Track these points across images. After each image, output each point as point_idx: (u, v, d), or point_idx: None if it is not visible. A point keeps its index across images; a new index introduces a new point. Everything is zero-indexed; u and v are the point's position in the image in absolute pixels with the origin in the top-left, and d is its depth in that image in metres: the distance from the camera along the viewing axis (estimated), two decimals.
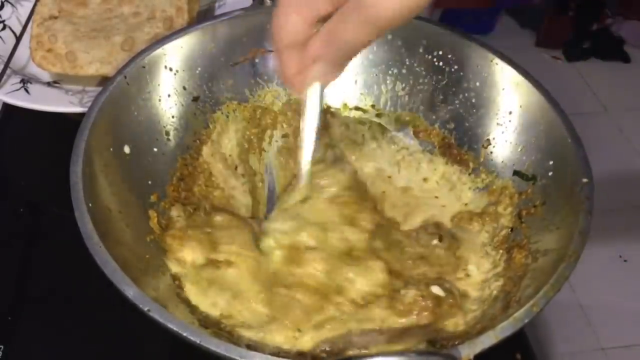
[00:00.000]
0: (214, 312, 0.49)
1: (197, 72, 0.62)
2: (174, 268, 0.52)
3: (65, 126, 0.57)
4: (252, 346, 0.46)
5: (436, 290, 0.50)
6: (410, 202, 0.62)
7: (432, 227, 0.59)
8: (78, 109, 0.67)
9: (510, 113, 0.60)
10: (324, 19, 0.40)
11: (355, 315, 0.49)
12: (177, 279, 0.51)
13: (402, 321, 0.49)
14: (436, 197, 0.62)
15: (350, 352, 0.46)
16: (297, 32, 0.40)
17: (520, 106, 0.59)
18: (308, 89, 0.44)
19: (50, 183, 0.64)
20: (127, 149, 0.55)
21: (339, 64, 0.41)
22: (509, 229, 0.56)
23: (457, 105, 0.64)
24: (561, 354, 1.28)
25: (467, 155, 0.63)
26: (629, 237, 1.50)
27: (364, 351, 0.46)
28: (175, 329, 0.40)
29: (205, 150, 0.62)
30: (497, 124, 0.61)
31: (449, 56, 0.63)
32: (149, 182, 0.56)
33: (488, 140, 0.62)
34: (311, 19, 0.40)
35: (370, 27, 0.37)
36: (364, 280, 0.51)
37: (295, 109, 0.66)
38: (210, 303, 0.50)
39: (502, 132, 0.61)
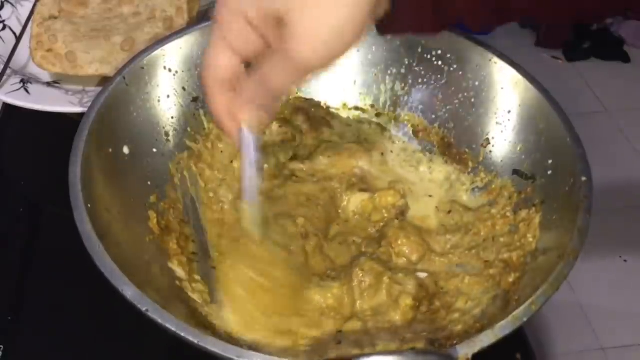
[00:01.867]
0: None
1: (197, 72, 0.62)
2: (176, 269, 0.52)
3: (65, 126, 0.57)
4: (252, 347, 0.46)
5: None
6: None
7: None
8: (78, 109, 0.67)
9: (509, 112, 0.60)
10: (255, 55, 0.41)
11: None
12: (178, 280, 0.51)
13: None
14: (430, 196, 0.62)
15: (354, 352, 0.46)
16: (227, 67, 0.42)
17: (520, 105, 0.59)
18: (241, 133, 0.44)
19: (50, 183, 0.64)
20: (126, 150, 0.55)
21: (268, 107, 0.43)
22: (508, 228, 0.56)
23: (457, 105, 0.64)
24: (561, 354, 1.28)
25: (466, 155, 0.63)
26: (629, 237, 1.49)
27: (364, 350, 0.46)
28: (173, 329, 0.40)
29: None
30: (497, 123, 0.61)
31: (448, 56, 0.63)
32: (149, 183, 0.56)
33: (487, 139, 0.61)
34: (243, 55, 0.42)
35: (294, 73, 0.39)
36: None
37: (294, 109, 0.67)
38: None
39: (502, 132, 0.61)
